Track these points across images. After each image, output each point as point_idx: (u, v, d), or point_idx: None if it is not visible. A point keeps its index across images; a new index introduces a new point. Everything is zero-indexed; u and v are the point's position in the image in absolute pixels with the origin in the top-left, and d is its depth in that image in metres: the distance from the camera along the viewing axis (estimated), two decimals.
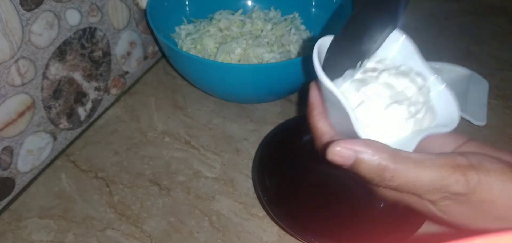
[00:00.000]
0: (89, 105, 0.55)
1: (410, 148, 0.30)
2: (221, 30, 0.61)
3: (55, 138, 0.51)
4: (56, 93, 0.49)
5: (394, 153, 0.28)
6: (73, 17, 0.48)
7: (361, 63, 0.35)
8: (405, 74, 0.34)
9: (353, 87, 0.34)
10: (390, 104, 0.32)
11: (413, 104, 0.33)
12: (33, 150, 0.48)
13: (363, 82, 0.34)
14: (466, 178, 0.28)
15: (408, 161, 0.28)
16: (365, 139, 0.29)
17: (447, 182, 0.28)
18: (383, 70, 0.34)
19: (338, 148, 0.28)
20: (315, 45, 0.33)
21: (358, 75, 0.35)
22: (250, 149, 0.53)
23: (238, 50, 0.57)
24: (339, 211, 0.47)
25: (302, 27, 0.64)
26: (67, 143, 0.53)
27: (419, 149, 0.32)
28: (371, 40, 0.34)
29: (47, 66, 0.47)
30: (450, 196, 0.29)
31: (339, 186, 0.49)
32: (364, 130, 0.31)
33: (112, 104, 0.59)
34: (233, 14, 0.64)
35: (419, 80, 0.34)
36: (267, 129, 0.54)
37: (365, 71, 0.35)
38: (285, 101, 0.59)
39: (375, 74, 0.34)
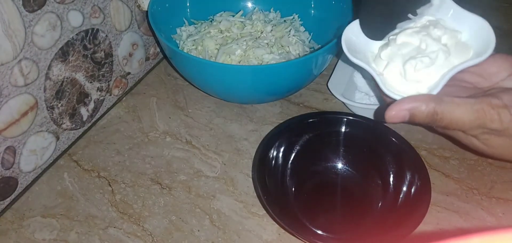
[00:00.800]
0: (91, 106, 0.56)
1: (436, 90, 0.35)
2: (221, 31, 0.62)
3: (57, 138, 0.52)
4: (59, 94, 0.50)
5: (438, 99, 0.34)
6: (75, 19, 0.49)
7: (400, 24, 0.39)
8: (423, 29, 0.38)
9: (379, 52, 0.38)
10: (406, 60, 0.36)
11: (426, 55, 0.36)
12: (36, 149, 0.49)
13: (385, 45, 0.38)
14: (500, 117, 0.33)
15: (451, 103, 0.33)
16: (412, 96, 0.34)
17: (484, 120, 0.33)
18: (401, 32, 0.38)
19: (393, 112, 0.34)
20: (345, 28, 0.39)
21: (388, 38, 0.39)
22: (250, 149, 0.53)
23: (238, 51, 0.57)
24: (338, 210, 0.48)
25: (302, 28, 0.65)
26: (70, 142, 0.54)
27: (477, 76, 0.37)
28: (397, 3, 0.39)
29: (49, 67, 0.47)
30: (489, 132, 0.34)
31: (338, 186, 0.50)
32: (392, 88, 0.36)
33: (114, 104, 0.60)
34: (233, 15, 0.65)
35: (435, 31, 0.37)
36: (267, 129, 0.55)
37: (393, 34, 0.39)
38: (285, 101, 0.60)
39: (395, 36, 0.38)
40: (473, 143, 0.36)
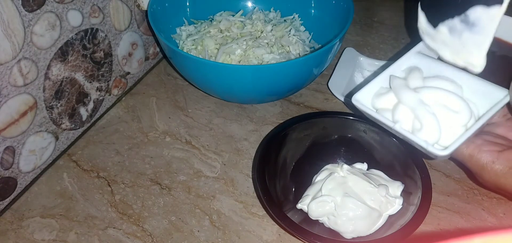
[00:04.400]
0: (90, 106, 0.55)
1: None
2: (221, 31, 0.62)
3: (57, 138, 0.52)
4: (58, 94, 0.50)
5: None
6: (74, 18, 0.49)
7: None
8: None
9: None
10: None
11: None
12: (35, 150, 0.49)
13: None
14: None
15: None
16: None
17: None
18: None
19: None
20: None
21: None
22: (250, 149, 0.53)
23: (238, 51, 0.57)
24: None
25: (302, 28, 0.65)
26: (69, 143, 0.54)
27: None
28: None
29: (49, 67, 0.47)
30: None
31: None
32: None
33: (114, 104, 0.60)
34: (233, 15, 0.65)
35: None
36: (267, 129, 0.55)
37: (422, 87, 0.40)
38: (285, 101, 0.60)
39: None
40: None
